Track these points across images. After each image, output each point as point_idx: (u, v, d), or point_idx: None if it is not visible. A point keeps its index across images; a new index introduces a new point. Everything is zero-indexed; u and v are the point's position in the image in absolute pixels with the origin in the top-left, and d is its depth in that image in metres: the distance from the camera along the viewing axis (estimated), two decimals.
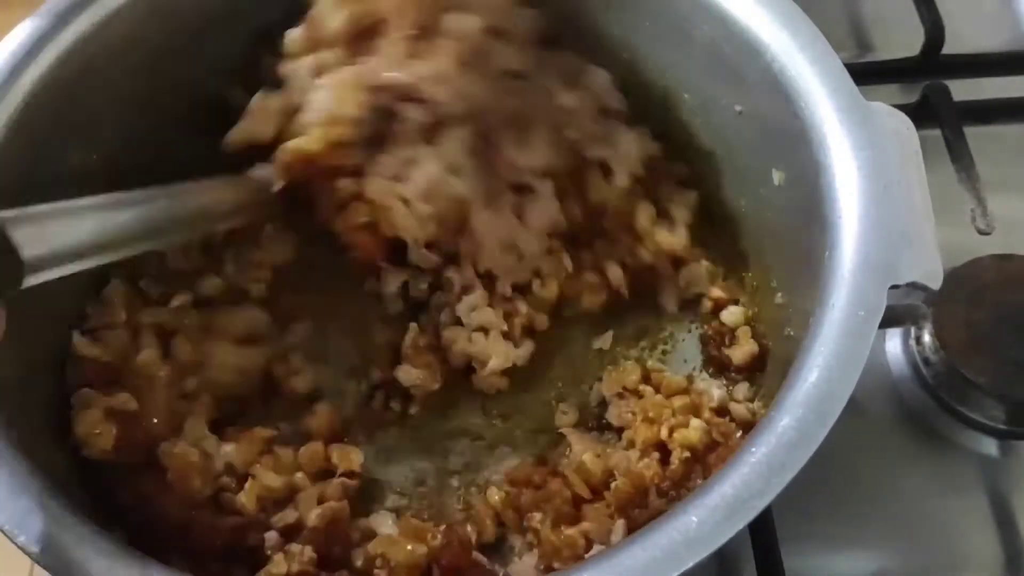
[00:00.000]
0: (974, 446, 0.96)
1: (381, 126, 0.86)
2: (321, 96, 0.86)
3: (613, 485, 0.84)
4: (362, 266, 0.95)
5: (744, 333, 0.94)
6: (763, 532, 0.87)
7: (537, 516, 0.86)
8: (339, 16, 0.87)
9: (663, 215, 0.98)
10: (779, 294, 0.90)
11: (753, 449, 0.65)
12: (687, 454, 0.84)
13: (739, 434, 0.86)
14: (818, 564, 0.91)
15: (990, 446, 0.96)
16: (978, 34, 1.20)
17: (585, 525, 0.84)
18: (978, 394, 0.94)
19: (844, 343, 0.68)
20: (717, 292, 0.97)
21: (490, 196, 0.90)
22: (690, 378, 0.95)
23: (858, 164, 0.74)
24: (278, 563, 0.80)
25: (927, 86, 1.11)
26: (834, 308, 0.69)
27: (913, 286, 0.70)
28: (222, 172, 0.98)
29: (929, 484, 0.95)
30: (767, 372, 0.92)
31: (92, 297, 0.93)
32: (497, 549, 0.88)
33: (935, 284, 0.70)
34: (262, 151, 0.90)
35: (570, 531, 0.83)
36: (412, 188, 0.86)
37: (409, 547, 0.83)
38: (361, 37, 0.87)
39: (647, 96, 1.01)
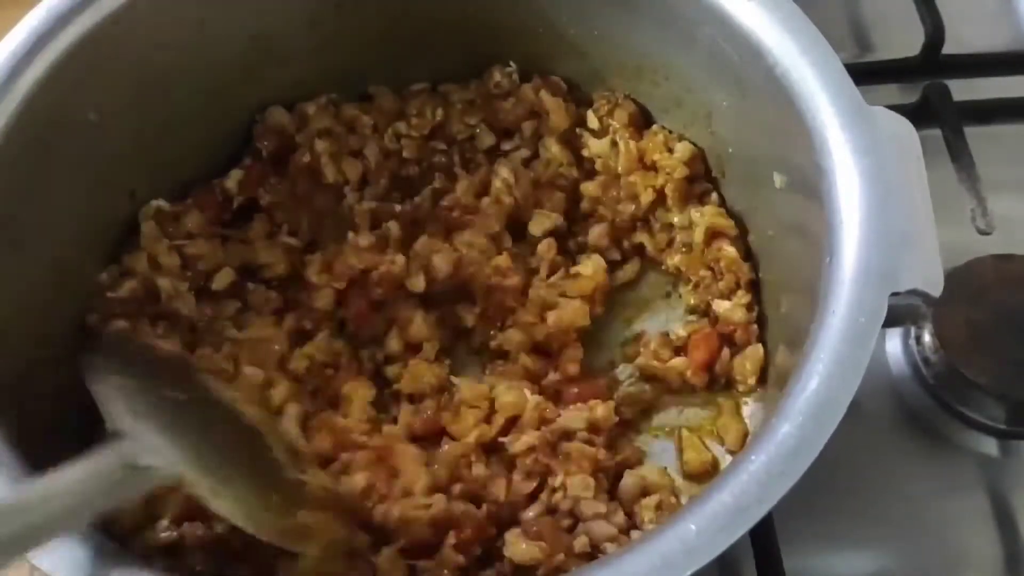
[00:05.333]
0: (974, 446, 0.96)
1: None
2: None
3: None
4: None
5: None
6: (763, 532, 0.87)
7: None
8: None
9: None
10: (782, 299, 0.90)
11: (753, 457, 0.65)
12: None
13: None
14: (818, 564, 0.92)
15: (990, 446, 0.96)
16: (978, 34, 1.20)
17: None
18: (978, 394, 0.94)
19: (844, 350, 0.68)
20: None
21: None
22: None
23: (859, 169, 0.74)
24: None
25: (927, 86, 1.11)
26: (834, 315, 0.69)
27: (914, 293, 0.70)
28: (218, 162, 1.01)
29: (929, 484, 0.95)
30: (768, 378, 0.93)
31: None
32: None
33: (936, 291, 0.70)
34: None
35: None
36: None
37: None
38: None
39: (649, 98, 1.01)
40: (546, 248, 1.00)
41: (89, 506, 0.68)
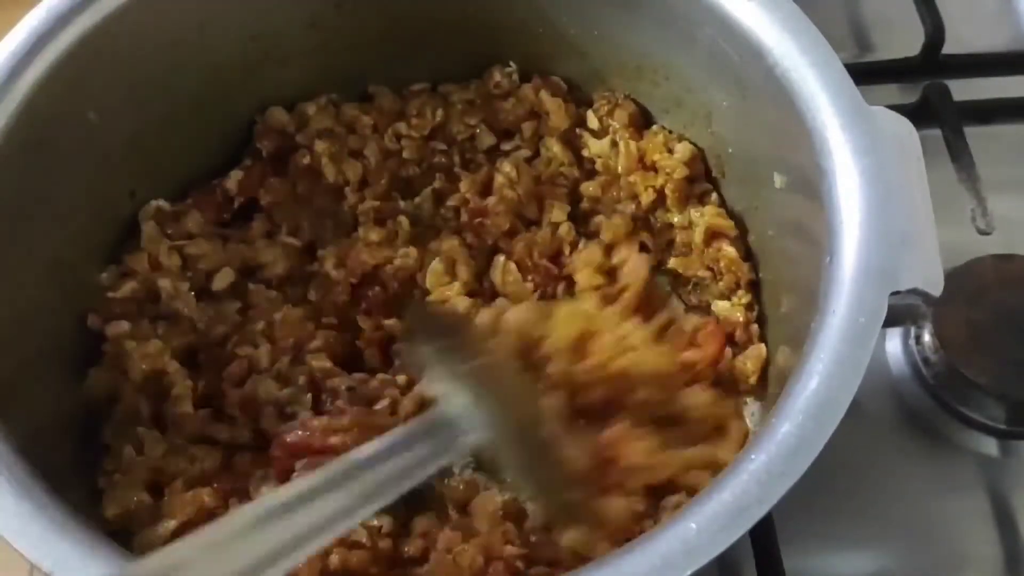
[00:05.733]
0: (974, 446, 0.96)
1: None
2: None
3: None
4: None
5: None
6: (763, 532, 0.87)
7: None
8: None
9: None
10: (782, 299, 0.90)
11: (753, 456, 0.65)
12: None
13: None
14: (818, 564, 0.92)
15: (990, 446, 0.96)
16: (978, 34, 1.20)
17: None
18: (978, 394, 0.94)
19: (844, 350, 0.68)
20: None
21: None
22: None
23: (860, 169, 0.74)
24: None
25: (927, 86, 1.11)
26: (834, 315, 0.69)
27: (914, 292, 0.70)
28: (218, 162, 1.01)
29: (929, 484, 0.95)
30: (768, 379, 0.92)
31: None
32: None
33: (936, 291, 0.70)
34: None
35: None
36: None
37: None
38: None
39: (649, 98, 1.01)
40: (567, 230, 1.00)
41: (420, 469, 0.70)
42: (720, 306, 0.95)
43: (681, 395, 0.89)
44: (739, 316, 0.93)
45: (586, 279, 0.96)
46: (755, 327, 0.94)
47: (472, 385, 0.76)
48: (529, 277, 0.97)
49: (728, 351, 0.93)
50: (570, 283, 0.97)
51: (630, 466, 0.82)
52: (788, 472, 0.64)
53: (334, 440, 0.84)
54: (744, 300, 0.95)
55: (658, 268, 1.00)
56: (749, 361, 0.92)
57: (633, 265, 0.96)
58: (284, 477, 0.84)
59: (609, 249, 0.98)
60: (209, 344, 0.93)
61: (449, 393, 0.75)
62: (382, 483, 0.67)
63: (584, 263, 0.97)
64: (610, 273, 0.97)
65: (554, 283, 0.97)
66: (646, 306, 0.95)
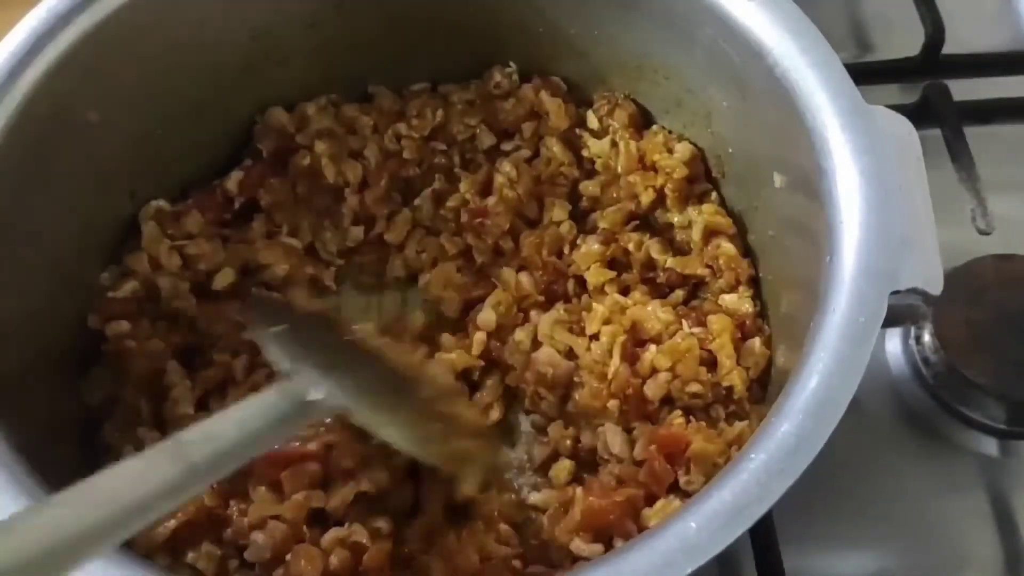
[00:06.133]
0: (974, 446, 0.96)
1: None
2: None
3: None
4: None
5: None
6: (763, 532, 0.87)
7: None
8: None
9: None
10: (782, 299, 0.90)
11: (752, 455, 0.65)
12: None
13: None
14: (818, 564, 0.92)
15: (990, 446, 0.96)
16: (978, 34, 1.20)
17: None
18: (978, 394, 0.94)
19: (844, 349, 0.68)
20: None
21: None
22: None
23: (859, 169, 0.74)
24: None
25: (927, 86, 1.11)
26: (834, 314, 0.69)
27: (914, 292, 0.70)
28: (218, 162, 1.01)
29: (929, 484, 0.95)
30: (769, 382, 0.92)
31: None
32: None
33: (936, 290, 0.70)
34: None
35: None
36: None
37: None
38: None
39: (649, 98, 1.01)
40: (568, 228, 1.00)
41: (260, 439, 0.72)
42: (727, 299, 0.93)
43: None
44: (747, 307, 0.92)
45: (595, 277, 0.96)
46: (760, 320, 0.93)
47: (317, 361, 0.79)
48: (538, 274, 0.97)
49: None
50: (577, 281, 0.97)
51: None
52: (787, 471, 0.64)
53: (312, 447, 0.85)
54: (747, 294, 0.94)
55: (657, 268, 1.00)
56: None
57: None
58: (274, 487, 0.84)
59: (609, 239, 0.98)
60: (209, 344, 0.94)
61: (301, 369, 0.78)
62: (227, 452, 0.69)
63: (587, 259, 0.96)
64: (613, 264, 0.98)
65: (563, 280, 0.97)
66: None
